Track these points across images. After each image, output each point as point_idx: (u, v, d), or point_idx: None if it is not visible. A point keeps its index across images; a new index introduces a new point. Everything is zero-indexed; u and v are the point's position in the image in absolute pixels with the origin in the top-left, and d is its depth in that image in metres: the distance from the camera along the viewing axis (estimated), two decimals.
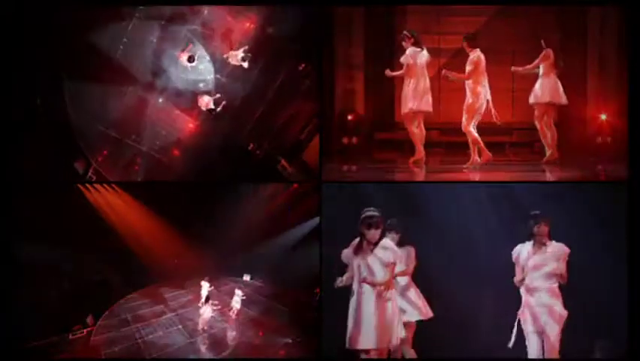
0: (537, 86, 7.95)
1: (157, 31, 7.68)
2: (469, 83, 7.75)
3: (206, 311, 8.12)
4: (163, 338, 7.85)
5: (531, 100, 7.98)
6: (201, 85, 7.92)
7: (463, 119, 7.79)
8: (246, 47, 7.72)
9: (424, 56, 7.96)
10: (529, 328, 5.75)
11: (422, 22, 9.30)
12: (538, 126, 8.02)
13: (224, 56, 7.80)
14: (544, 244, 5.73)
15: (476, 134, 7.80)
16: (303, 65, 7.87)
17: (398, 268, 5.62)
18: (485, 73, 7.73)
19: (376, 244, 5.36)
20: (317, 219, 7.19)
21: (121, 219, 9.87)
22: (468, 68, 7.73)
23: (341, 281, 5.52)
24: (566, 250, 5.72)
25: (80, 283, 8.75)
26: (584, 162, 8.24)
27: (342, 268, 5.54)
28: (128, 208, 9.89)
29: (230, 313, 8.56)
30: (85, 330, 7.93)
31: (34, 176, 7.18)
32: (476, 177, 7.50)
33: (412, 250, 6.47)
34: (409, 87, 7.93)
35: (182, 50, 7.73)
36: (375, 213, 5.36)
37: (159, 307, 9.22)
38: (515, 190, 6.85)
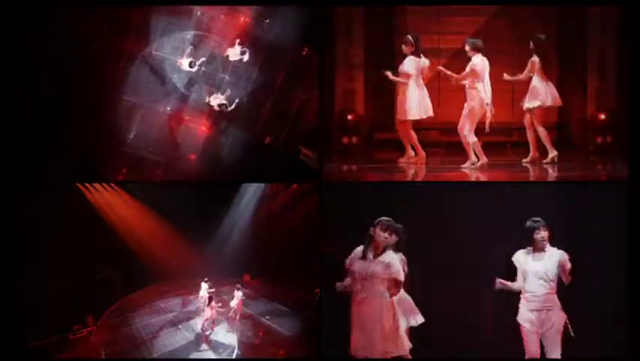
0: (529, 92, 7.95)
1: (155, 41, 7.69)
2: (466, 87, 7.76)
3: (206, 311, 8.11)
4: (163, 338, 7.85)
5: (524, 105, 7.97)
6: (207, 86, 7.92)
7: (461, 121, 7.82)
8: (238, 40, 7.70)
9: (423, 62, 7.98)
10: (530, 329, 5.75)
11: (422, 22, 9.29)
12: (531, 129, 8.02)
13: (225, 54, 7.80)
14: (544, 250, 5.74)
15: (472, 139, 7.79)
16: (306, 50, 7.86)
17: None
18: (485, 78, 7.71)
19: (383, 251, 5.40)
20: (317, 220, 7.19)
21: (121, 219, 9.88)
22: (466, 70, 7.73)
23: (341, 286, 5.53)
24: (565, 255, 5.71)
25: (80, 283, 8.75)
26: (584, 162, 8.24)
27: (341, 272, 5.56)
28: (128, 208, 9.90)
29: (231, 314, 8.56)
30: (85, 330, 7.93)
31: (34, 176, 7.17)
32: (476, 177, 7.50)
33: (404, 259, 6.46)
34: (407, 96, 7.94)
35: (182, 56, 7.75)
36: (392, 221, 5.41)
37: (159, 307, 9.22)
38: (515, 190, 6.84)
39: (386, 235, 5.41)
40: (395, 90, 8.20)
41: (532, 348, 5.76)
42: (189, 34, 7.73)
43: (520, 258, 5.84)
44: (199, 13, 7.72)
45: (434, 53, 9.20)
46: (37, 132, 7.31)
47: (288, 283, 9.94)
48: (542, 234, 5.74)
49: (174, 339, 7.84)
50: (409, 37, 8.03)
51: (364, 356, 5.34)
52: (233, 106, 7.80)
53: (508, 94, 9.15)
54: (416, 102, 7.97)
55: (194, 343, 7.71)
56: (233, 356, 7.41)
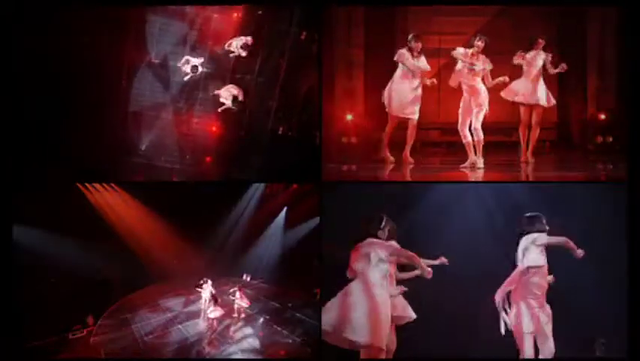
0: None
1: (152, 48, 7.70)
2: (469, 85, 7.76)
3: (206, 311, 8.12)
4: (163, 338, 7.85)
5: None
6: (212, 86, 7.92)
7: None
8: (236, 35, 7.73)
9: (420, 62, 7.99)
10: (527, 329, 5.75)
11: (422, 22, 9.29)
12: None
13: (226, 49, 7.81)
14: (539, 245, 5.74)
15: (469, 138, 7.80)
16: (304, 33, 7.86)
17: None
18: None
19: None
20: (317, 219, 7.19)
21: (121, 219, 9.89)
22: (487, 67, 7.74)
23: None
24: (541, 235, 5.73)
25: (80, 283, 8.76)
26: (584, 162, 8.24)
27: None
28: (128, 208, 9.91)
29: (231, 314, 8.57)
30: (85, 330, 7.93)
31: (34, 176, 7.18)
32: (476, 177, 7.50)
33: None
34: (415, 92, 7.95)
35: (182, 60, 7.76)
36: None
37: (159, 307, 9.22)
38: (515, 190, 6.85)
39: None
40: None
41: (527, 348, 5.78)
42: (186, 37, 7.76)
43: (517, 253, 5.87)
44: (192, 14, 7.73)
45: (434, 53, 9.20)
46: (38, 132, 7.32)
47: (288, 283, 9.95)
48: (538, 229, 5.78)
49: (174, 339, 7.84)
50: (411, 37, 8.01)
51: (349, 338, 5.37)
52: (240, 97, 7.80)
53: None
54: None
55: (194, 343, 7.71)
56: (233, 357, 7.42)
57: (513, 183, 7.14)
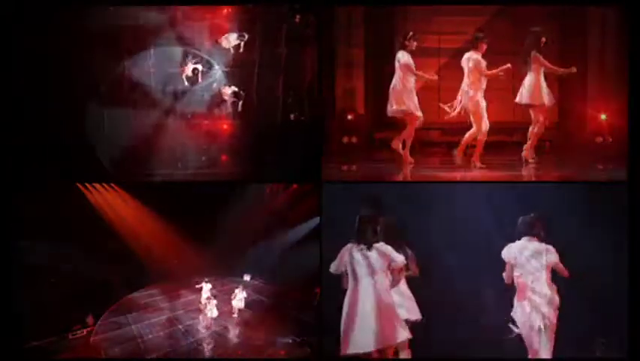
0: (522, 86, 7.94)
1: (151, 58, 7.71)
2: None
3: (206, 311, 8.11)
4: (163, 338, 7.85)
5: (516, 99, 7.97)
6: (214, 85, 7.92)
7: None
8: (226, 36, 7.74)
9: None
10: (534, 324, 5.75)
11: (422, 22, 9.29)
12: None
13: (222, 45, 7.81)
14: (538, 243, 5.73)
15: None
16: (298, 17, 7.84)
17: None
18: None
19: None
20: (317, 219, 7.19)
21: (121, 219, 9.87)
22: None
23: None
24: (552, 250, 5.71)
25: (80, 283, 8.75)
26: (584, 162, 8.24)
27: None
28: (128, 208, 9.89)
29: (231, 314, 8.57)
30: (85, 330, 7.93)
31: (34, 176, 7.17)
32: (476, 177, 7.50)
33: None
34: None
35: (181, 65, 7.77)
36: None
37: (159, 307, 9.21)
38: (515, 190, 6.84)
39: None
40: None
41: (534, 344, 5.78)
42: (181, 42, 7.77)
43: (511, 251, 5.86)
44: (182, 17, 7.75)
45: (434, 53, 9.20)
46: (38, 132, 7.32)
47: (288, 283, 9.93)
48: (535, 229, 5.78)
49: (174, 339, 7.83)
50: (411, 35, 7.99)
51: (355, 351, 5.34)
52: (243, 93, 7.80)
53: (509, 93, 9.15)
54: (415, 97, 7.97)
55: (194, 343, 7.71)
56: (233, 357, 7.41)
57: (513, 183, 7.14)
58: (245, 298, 8.67)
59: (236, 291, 8.63)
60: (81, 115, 7.55)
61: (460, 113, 7.78)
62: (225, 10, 7.82)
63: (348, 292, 5.44)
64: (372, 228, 5.43)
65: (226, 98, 7.82)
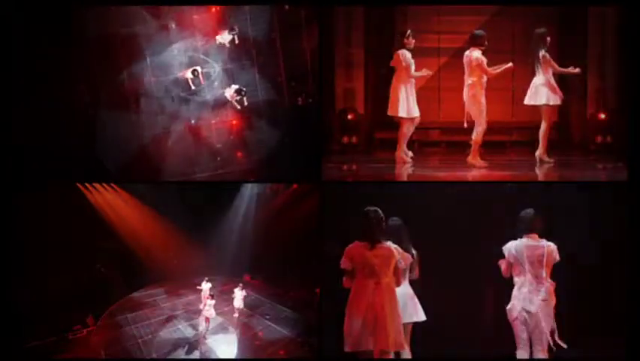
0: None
1: (147, 68, 7.76)
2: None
3: (207, 311, 8.11)
4: (163, 338, 7.86)
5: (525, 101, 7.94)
6: (216, 84, 7.93)
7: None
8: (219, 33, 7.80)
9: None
10: (529, 321, 5.73)
11: (422, 21, 9.29)
12: None
13: (217, 43, 7.83)
14: (537, 242, 5.71)
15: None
16: (287, 6, 7.87)
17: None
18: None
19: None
20: (317, 219, 7.20)
21: (121, 219, 9.88)
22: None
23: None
24: (552, 247, 5.68)
25: (80, 284, 8.76)
26: (584, 162, 8.24)
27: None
28: (128, 208, 9.91)
29: (231, 314, 8.57)
30: (85, 330, 7.94)
31: (34, 176, 7.17)
32: (476, 176, 7.49)
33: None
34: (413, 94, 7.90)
35: (181, 69, 7.80)
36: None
37: (159, 307, 9.22)
38: (515, 190, 6.84)
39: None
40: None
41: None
42: (176, 46, 7.80)
43: (510, 249, 5.83)
44: (173, 25, 7.78)
45: (434, 52, 9.21)
46: (38, 132, 7.32)
47: (288, 283, 9.94)
48: (534, 225, 5.76)
49: (174, 339, 7.84)
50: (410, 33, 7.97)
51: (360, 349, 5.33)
52: (244, 92, 7.81)
53: (509, 93, 9.16)
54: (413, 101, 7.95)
55: (194, 343, 7.71)
56: (233, 356, 7.41)
57: (513, 183, 7.14)
58: (245, 298, 8.67)
59: (236, 291, 8.63)
60: (82, 120, 7.56)
61: (468, 119, 7.74)
62: (214, 9, 7.86)
63: (353, 291, 5.43)
64: (378, 227, 5.41)
65: (230, 97, 7.82)
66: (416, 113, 7.85)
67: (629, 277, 6.50)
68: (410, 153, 8.05)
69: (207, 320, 8.06)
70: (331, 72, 8.83)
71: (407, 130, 7.92)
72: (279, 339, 7.82)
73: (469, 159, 7.75)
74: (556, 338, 5.52)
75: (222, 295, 9.16)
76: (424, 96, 8.13)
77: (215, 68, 7.97)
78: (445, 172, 7.86)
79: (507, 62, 7.65)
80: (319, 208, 7.09)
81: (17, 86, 7.16)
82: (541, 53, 7.66)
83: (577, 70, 7.78)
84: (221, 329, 8.20)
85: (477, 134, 7.67)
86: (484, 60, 7.58)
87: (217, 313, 8.22)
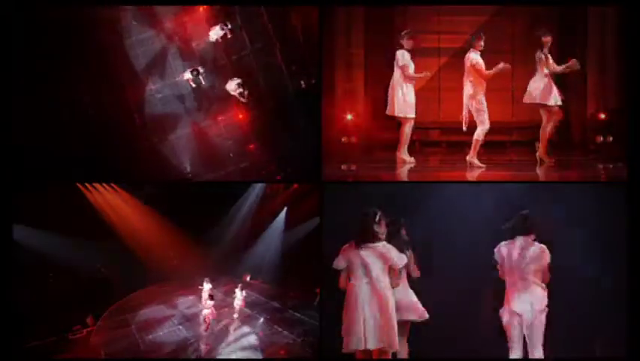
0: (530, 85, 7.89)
1: (147, 77, 7.83)
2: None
3: (207, 311, 8.12)
4: (163, 338, 7.86)
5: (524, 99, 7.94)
6: (217, 80, 7.94)
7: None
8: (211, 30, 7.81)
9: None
10: (522, 323, 5.73)
11: (422, 21, 9.29)
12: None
13: (210, 40, 7.85)
14: (530, 243, 5.70)
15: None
16: None
17: None
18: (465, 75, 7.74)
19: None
20: (317, 219, 7.19)
21: (121, 219, 9.90)
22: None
23: None
24: (546, 252, 5.67)
25: (80, 283, 8.77)
26: (584, 162, 8.24)
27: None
28: (128, 208, 9.92)
29: (231, 314, 8.57)
30: (85, 330, 7.94)
31: (34, 176, 7.18)
32: (476, 176, 7.49)
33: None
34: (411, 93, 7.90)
35: (180, 72, 7.82)
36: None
37: (159, 307, 9.22)
38: (515, 190, 6.84)
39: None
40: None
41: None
42: (171, 50, 7.85)
43: (502, 250, 5.82)
44: (165, 23, 7.85)
45: (434, 52, 9.20)
46: (38, 132, 7.33)
47: (288, 284, 9.95)
48: (530, 227, 5.75)
49: (174, 339, 7.84)
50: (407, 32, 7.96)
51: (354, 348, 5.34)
52: (245, 91, 7.82)
53: (508, 93, 9.16)
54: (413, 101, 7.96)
55: (194, 343, 7.71)
56: (233, 356, 7.41)
57: (513, 183, 7.13)
58: (245, 298, 8.67)
59: (236, 291, 8.63)
60: (82, 120, 7.57)
61: (467, 121, 7.73)
62: (201, 9, 7.89)
63: (349, 291, 5.44)
64: (375, 227, 5.41)
65: (232, 91, 7.82)
66: (412, 114, 7.87)
67: (629, 277, 6.50)
68: (412, 159, 8.07)
69: (207, 319, 8.06)
70: (331, 72, 8.82)
71: (409, 130, 7.94)
72: (279, 339, 7.82)
73: (469, 157, 7.77)
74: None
75: (222, 295, 9.17)
76: (424, 96, 8.13)
77: (214, 66, 7.98)
78: (445, 172, 7.87)
79: (506, 63, 7.65)
80: (319, 208, 7.09)
81: (17, 86, 7.16)
82: (541, 53, 7.67)
83: (576, 65, 7.75)
84: (221, 329, 8.20)
85: (479, 134, 7.69)
86: (480, 61, 7.59)
87: (217, 314, 8.23)
